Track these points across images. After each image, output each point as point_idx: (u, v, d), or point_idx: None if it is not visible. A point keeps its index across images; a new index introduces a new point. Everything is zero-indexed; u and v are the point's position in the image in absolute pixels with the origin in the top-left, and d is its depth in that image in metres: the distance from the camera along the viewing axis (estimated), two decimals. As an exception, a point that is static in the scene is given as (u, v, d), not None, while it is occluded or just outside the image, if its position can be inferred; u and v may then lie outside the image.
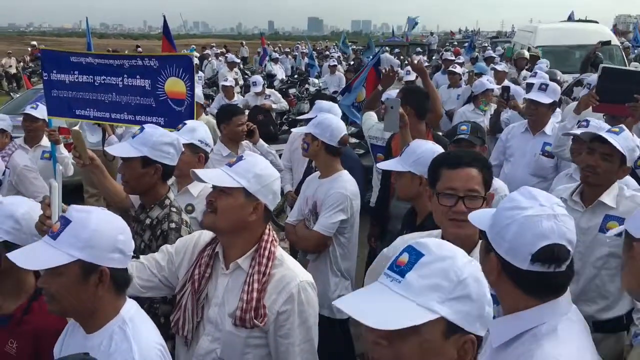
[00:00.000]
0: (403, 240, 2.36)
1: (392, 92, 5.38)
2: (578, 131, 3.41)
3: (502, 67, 9.00)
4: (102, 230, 1.68)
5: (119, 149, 2.77)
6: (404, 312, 1.13)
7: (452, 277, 1.15)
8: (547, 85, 4.56)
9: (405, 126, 3.51)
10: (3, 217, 2.14)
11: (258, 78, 9.85)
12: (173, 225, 2.64)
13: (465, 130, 3.48)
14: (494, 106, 6.47)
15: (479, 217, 1.70)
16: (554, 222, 1.51)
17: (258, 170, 2.09)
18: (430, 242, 1.23)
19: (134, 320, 1.74)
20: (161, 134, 2.73)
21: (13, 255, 1.68)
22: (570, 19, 16.10)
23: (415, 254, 1.20)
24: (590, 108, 4.09)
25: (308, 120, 3.73)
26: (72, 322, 1.87)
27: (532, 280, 1.50)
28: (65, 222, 1.68)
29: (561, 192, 3.04)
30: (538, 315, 1.51)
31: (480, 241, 1.72)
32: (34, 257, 1.66)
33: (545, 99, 4.47)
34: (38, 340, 2.11)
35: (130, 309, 1.78)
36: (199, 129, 3.33)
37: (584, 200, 2.93)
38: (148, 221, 2.67)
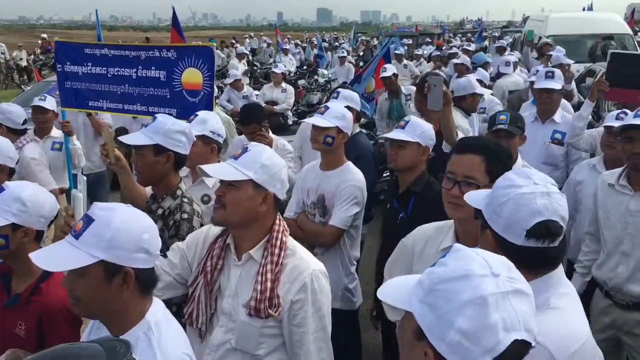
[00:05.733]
0: (421, 230, 2.37)
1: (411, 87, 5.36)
2: (616, 123, 3.44)
3: (512, 58, 8.93)
4: (125, 229, 1.60)
5: (132, 137, 2.79)
6: (402, 295, 1.21)
7: (430, 281, 1.16)
8: (553, 72, 4.62)
9: (448, 104, 3.47)
10: (10, 200, 2.18)
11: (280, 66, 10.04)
12: (185, 215, 2.65)
13: (504, 120, 3.42)
14: (489, 98, 6.39)
15: (475, 197, 1.76)
16: (547, 200, 1.58)
17: (264, 160, 2.09)
18: (465, 251, 1.21)
19: (159, 325, 1.65)
20: (173, 123, 2.74)
21: (35, 256, 1.62)
22: (591, 9, 15.92)
23: (442, 256, 1.23)
24: None
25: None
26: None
27: (526, 255, 1.57)
28: (88, 220, 1.61)
29: (607, 177, 3.13)
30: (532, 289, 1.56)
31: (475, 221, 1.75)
32: (55, 257, 1.59)
33: (556, 85, 4.53)
34: (42, 320, 2.15)
35: (157, 312, 1.70)
36: (211, 120, 3.30)
37: (631, 183, 3.00)
38: (160, 211, 2.68)
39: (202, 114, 3.36)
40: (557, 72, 4.64)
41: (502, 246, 1.58)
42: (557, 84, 4.51)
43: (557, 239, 1.58)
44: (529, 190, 1.58)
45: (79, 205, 2.02)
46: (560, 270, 1.65)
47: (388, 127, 6.75)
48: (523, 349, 1.11)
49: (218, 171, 2.11)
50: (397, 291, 1.24)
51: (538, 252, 1.56)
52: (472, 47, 12.41)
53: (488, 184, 2.06)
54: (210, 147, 3.27)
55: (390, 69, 7.12)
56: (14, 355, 1.64)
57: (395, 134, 3.14)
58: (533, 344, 1.13)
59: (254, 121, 4.35)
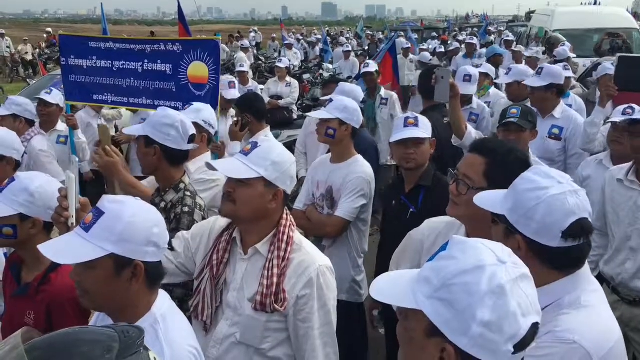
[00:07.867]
0: (431, 224, 2.36)
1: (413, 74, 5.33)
2: (619, 118, 3.41)
3: (530, 53, 8.86)
4: (136, 223, 1.59)
5: (131, 128, 2.85)
6: (402, 293, 1.20)
7: (441, 277, 1.14)
8: (542, 68, 4.50)
9: (455, 96, 3.43)
10: (18, 191, 2.22)
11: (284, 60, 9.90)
12: (186, 209, 2.66)
13: (515, 113, 3.38)
14: (494, 92, 6.32)
15: (491, 201, 1.69)
16: (577, 198, 1.57)
17: (275, 157, 2.08)
18: (468, 242, 1.20)
19: (166, 318, 1.66)
20: (164, 116, 2.73)
21: (44, 248, 1.61)
22: (596, 3, 15.85)
23: (443, 247, 1.22)
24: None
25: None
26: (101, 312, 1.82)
27: (560, 256, 1.56)
28: (98, 213, 1.59)
29: (616, 172, 3.13)
30: (562, 288, 1.58)
31: (493, 225, 1.69)
32: (65, 250, 1.58)
33: (538, 82, 4.37)
34: (50, 310, 2.16)
35: (163, 305, 1.71)
36: (205, 110, 3.38)
37: None
38: (163, 205, 2.69)
39: (198, 104, 3.44)
40: (546, 69, 4.48)
41: (534, 249, 1.57)
42: (540, 82, 4.35)
43: (590, 235, 1.59)
44: (558, 190, 1.56)
45: (71, 186, 2.02)
46: (586, 267, 1.64)
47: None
48: (536, 331, 1.13)
49: (228, 168, 2.08)
50: (393, 289, 1.22)
51: (570, 251, 1.56)
52: (475, 40, 12.29)
53: (484, 187, 1.97)
54: (201, 136, 3.29)
55: (372, 65, 6.64)
56: (28, 334, 1.65)
57: (414, 132, 3.11)
58: (540, 324, 1.14)
59: (239, 107, 4.39)
